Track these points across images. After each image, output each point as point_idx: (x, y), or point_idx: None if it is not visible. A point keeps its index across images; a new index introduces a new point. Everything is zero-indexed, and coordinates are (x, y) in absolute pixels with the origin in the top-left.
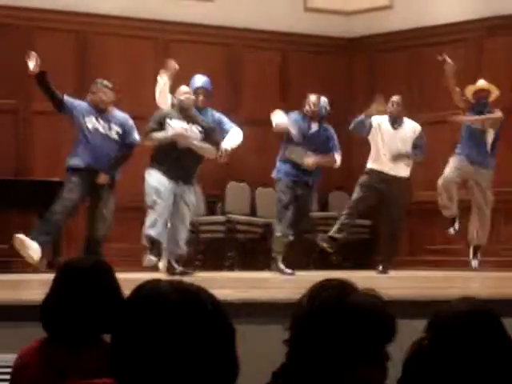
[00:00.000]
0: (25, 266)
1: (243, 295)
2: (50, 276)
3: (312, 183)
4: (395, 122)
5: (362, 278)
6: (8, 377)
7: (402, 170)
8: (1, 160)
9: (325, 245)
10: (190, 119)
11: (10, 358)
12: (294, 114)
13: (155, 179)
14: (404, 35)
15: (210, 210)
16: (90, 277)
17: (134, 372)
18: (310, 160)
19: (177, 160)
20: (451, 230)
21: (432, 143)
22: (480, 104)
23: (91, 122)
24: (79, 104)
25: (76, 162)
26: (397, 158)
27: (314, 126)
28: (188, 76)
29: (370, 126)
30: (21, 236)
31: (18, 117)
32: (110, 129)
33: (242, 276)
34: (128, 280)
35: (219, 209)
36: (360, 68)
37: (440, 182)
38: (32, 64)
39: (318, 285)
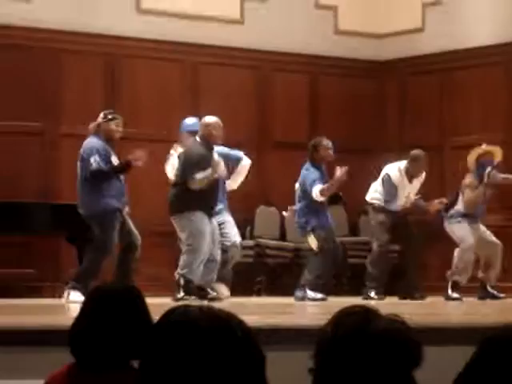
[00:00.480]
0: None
1: (270, 321)
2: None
3: None
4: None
5: (395, 305)
6: None
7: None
8: (27, 182)
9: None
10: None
11: (38, 383)
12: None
13: (202, 222)
14: (435, 58)
15: (240, 235)
16: (120, 302)
17: None
18: None
19: (211, 197)
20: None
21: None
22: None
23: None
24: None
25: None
26: None
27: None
28: (217, 98)
29: None
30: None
31: (44, 139)
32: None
33: (270, 301)
34: (155, 305)
35: (248, 233)
36: (391, 91)
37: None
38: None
39: (341, 312)
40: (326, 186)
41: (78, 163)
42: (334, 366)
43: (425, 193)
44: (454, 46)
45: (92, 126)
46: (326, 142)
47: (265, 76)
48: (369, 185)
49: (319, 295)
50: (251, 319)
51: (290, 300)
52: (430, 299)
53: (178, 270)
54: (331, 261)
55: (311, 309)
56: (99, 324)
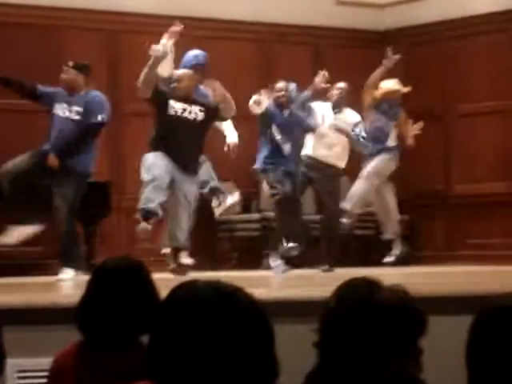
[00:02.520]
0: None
1: (277, 294)
2: (85, 278)
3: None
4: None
5: (403, 275)
6: (44, 380)
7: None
8: None
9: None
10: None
11: (45, 361)
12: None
13: (151, 158)
14: (438, 27)
15: (245, 208)
16: (126, 278)
17: (171, 374)
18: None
19: (178, 146)
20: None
21: (469, 136)
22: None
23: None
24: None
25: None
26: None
27: (286, 113)
28: (220, 72)
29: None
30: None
31: None
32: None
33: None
34: (160, 280)
35: (254, 207)
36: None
37: None
38: None
39: (344, 284)
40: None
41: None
42: (339, 338)
43: (429, 161)
44: (458, 14)
45: None
46: (280, 85)
47: (268, 48)
48: None
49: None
50: (259, 292)
51: (299, 272)
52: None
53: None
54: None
55: (319, 280)
56: (106, 301)
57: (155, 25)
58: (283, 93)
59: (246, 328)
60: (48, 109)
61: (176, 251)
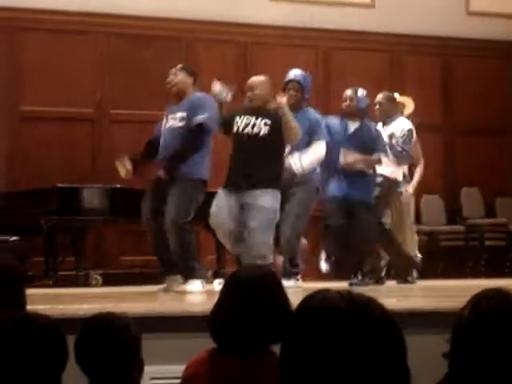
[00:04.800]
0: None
1: (403, 304)
2: (215, 287)
3: None
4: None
5: None
6: None
7: None
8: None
9: None
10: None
11: (178, 369)
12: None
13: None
14: None
15: None
16: (259, 286)
17: (305, 382)
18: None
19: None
20: None
21: None
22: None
23: None
24: None
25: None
26: None
27: (353, 125)
28: (349, 83)
29: None
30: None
31: None
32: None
33: (411, 285)
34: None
35: None
36: None
37: None
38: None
39: (477, 295)
40: None
41: None
42: (471, 349)
43: None
44: None
45: None
46: (349, 93)
47: (397, 59)
48: (501, 166)
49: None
50: (389, 303)
51: (428, 283)
52: None
53: None
54: None
55: (446, 291)
56: (239, 309)
57: (283, 36)
58: (349, 102)
59: (379, 338)
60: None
61: None
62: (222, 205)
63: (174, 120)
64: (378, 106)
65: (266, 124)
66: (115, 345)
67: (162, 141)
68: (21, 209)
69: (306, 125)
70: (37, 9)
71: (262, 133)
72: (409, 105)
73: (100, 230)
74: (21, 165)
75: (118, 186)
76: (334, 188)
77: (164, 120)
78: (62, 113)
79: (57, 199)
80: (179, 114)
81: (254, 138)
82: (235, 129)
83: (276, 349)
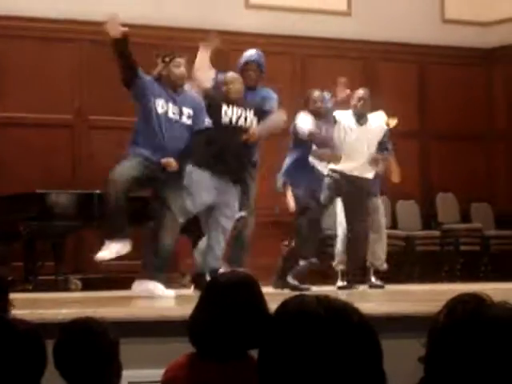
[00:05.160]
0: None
1: (385, 309)
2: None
3: None
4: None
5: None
6: None
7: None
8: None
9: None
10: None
11: (157, 373)
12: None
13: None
14: None
15: None
16: (238, 291)
17: None
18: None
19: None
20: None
21: None
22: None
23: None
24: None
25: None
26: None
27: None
28: (325, 90)
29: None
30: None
31: None
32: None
33: (388, 289)
34: (269, 294)
35: None
36: (498, 79)
37: None
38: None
39: (453, 299)
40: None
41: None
42: (447, 354)
43: None
44: None
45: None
46: (317, 94)
47: (373, 66)
48: (476, 171)
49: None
50: (367, 307)
51: (403, 288)
52: None
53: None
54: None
55: (423, 296)
56: (218, 314)
57: (262, 44)
58: (320, 104)
59: (355, 342)
60: (141, 101)
61: None
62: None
63: (178, 114)
64: (361, 102)
65: (254, 117)
66: (93, 349)
67: (166, 128)
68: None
69: (258, 101)
70: (15, 16)
71: (253, 125)
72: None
73: (80, 235)
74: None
75: (98, 191)
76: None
77: (158, 101)
78: (41, 119)
79: (36, 205)
80: (186, 110)
81: (246, 131)
82: (226, 120)
83: (255, 354)
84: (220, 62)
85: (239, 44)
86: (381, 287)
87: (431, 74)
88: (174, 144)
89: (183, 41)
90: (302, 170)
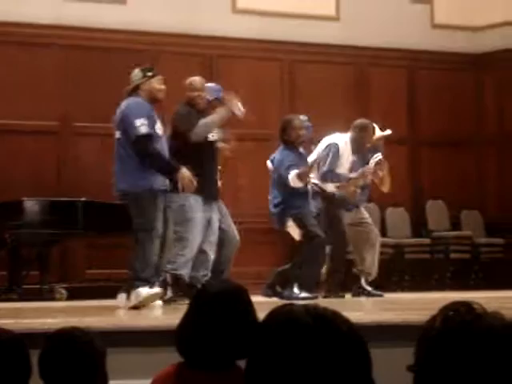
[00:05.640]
0: None
1: (375, 318)
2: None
3: None
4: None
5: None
6: None
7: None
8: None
9: None
10: None
11: (145, 383)
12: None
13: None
14: None
15: None
16: (227, 301)
17: None
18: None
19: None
20: None
21: None
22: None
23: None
24: None
25: None
26: None
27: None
28: (314, 96)
29: None
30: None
31: None
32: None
33: (376, 298)
34: (259, 303)
35: None
36: (488, 84)
37: None
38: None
39: (444, 308)
40: (301, 169)
41: (117, 133)
42: (438, 362)
43: None
44: None
45: (128, 87)
46: (298, 122)
47: (362, 72)
48: (466, 178)
49: (306, 294)
50: (355, 316)
51: (393, 296)
52: None
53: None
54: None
55: (413, 305)
56: (206, 323)
57: (249, 49)
58: (303, 131)
59: (344, 351)
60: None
61: None
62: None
63: (160, 129)
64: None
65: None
66: (79, 359)
67: (165, 147)
68: None
69: None
70: (1, 21)
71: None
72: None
73: (66, 243)
74: None
75: (83, 198)
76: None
77: (153, 124)
78: (26, 126)
79: (21, 213)
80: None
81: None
82: (210, 137)
83: (242, 364)
84: (206, 67)
85: (226, 49)
86: (380, 296)
87: (421, 80)
88: None
89: (169, 46)
90: (299, 197)
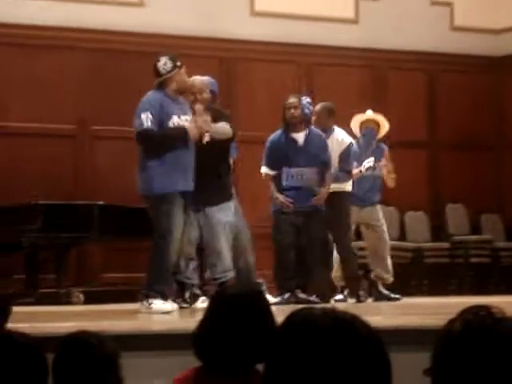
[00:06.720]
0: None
1: (394, 322)
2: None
3: None
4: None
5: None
6: None
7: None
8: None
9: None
10: None
11: None
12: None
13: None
14: None
15: (358, 236)
16: (245, 305)
17: None
18: None
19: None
20: None
21: None
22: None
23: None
24: None
25: None
26: None
27: (300, 136)
28: (332, 98)
29: None
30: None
31: None
32: None
33: (396, 302)
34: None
35: None
36: (508, 87)
37: None
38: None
39: (463, 311)
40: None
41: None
42: (457, 366)
43: None
44: None
45: (159, 79)
46: (288, 101)
47: (380, 75)
48: (486, 182)
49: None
50: (375, 320)
51: (412, 300)
52: None
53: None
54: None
55: (431, 309)
56: (225, 327)
57: (268, 52)
58: (293, 110)
59: (363, 356)
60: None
61: None
62: None
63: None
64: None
65: None
66: (89, 363)
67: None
68: (0, 226)
69: None
70: (19, 24)
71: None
72: (383, 123)
73: (82, 247)
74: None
75: (101, 202)
76: None
77: (175, 118)
78: (43, 129)
79: (38, 216)
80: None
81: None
82: None
83: (261, 368)
84: (224, 70)
85: (244, 52)
86: (398, 299)
87: (440, 83)
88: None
89: (187, 49)
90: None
